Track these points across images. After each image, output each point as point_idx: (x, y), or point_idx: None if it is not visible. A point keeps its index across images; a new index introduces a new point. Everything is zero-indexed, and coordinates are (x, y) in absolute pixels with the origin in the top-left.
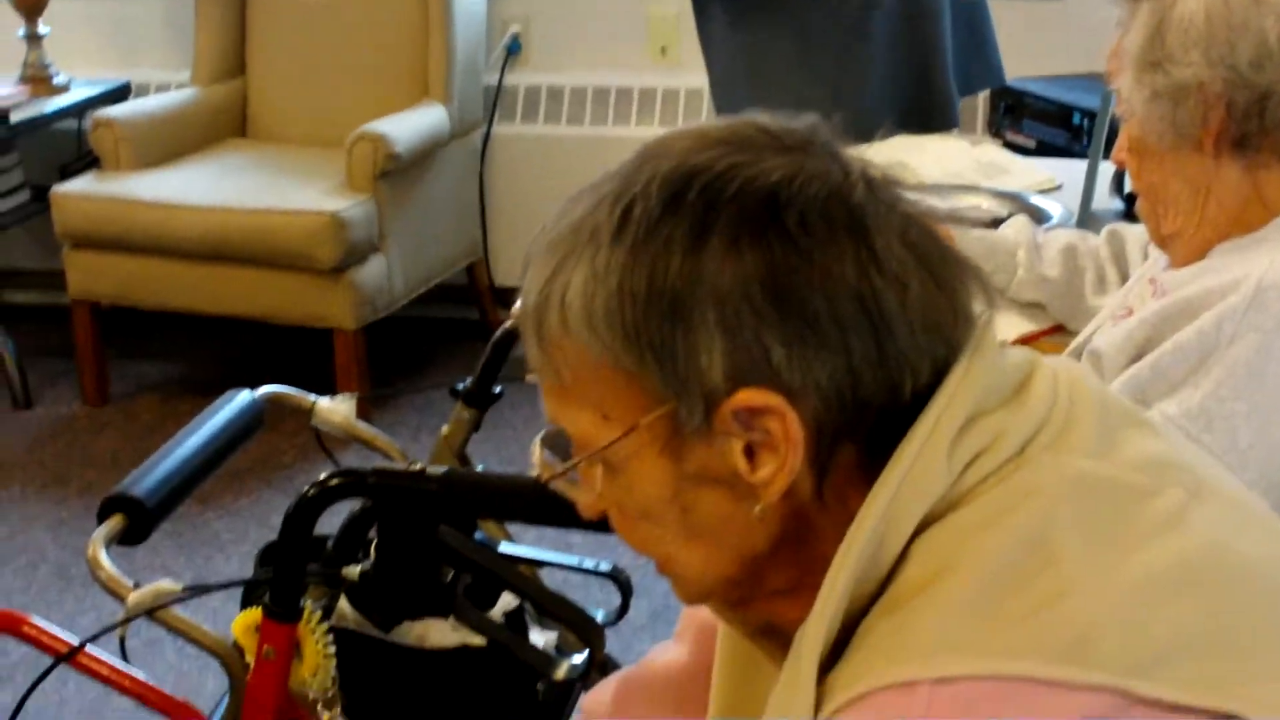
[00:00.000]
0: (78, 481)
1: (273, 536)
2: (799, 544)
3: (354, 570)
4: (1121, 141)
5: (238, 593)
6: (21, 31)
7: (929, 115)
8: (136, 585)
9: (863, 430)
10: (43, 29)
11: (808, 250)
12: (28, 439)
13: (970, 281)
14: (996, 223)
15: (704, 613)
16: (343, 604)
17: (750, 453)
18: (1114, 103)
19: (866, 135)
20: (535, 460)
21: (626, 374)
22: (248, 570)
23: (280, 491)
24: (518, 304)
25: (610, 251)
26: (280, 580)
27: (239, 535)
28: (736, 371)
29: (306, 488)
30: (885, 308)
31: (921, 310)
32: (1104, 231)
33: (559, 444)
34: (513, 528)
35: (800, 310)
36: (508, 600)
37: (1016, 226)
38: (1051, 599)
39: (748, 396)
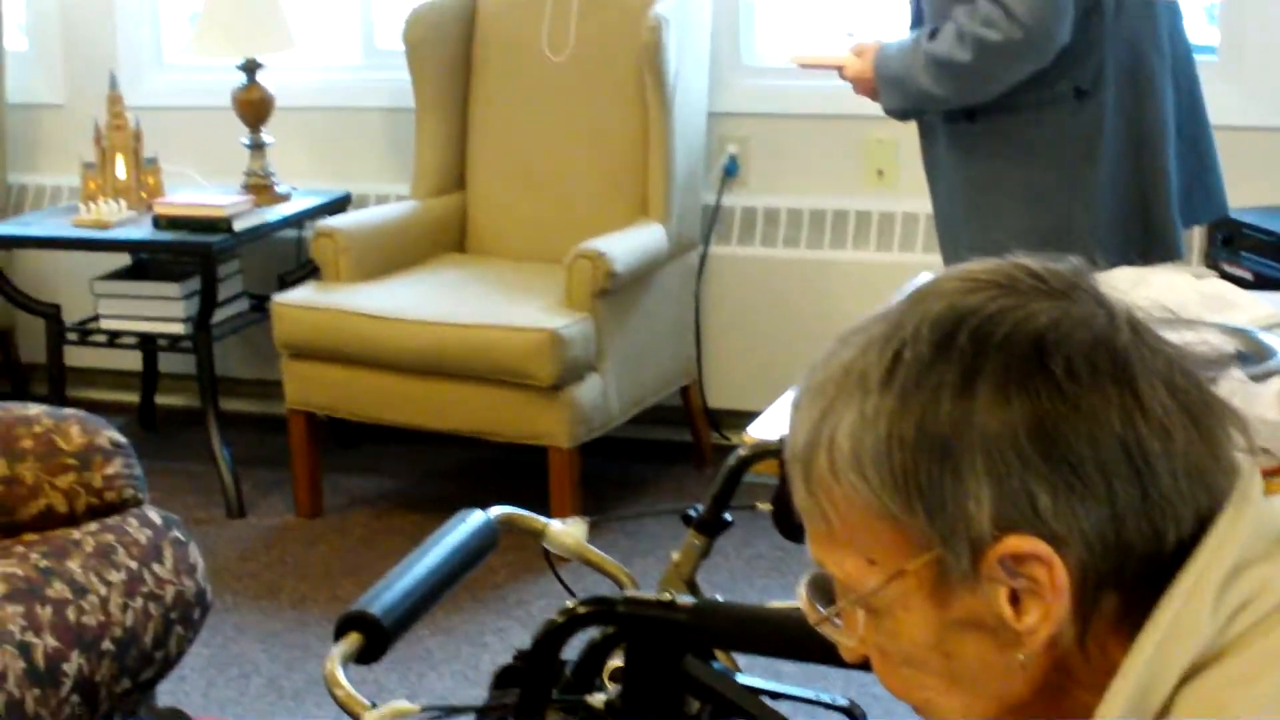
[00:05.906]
0: (290, 593)
1: (485, 656)
2: (1059, 692)
3: (599, 699)
4: None
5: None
6: (246, 140)
7: (1151, 246)
8: (373, 705)
9: (1126, 578)
10: (266, 138)
11: (1074, 398)
12: (241, 548)
13: (1231, 428)
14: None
15: None
16: None
17: (1015, 600)
18: None
19: (1094, 267)
20: (802, 604)
21: (893, 519)
22: (460, 688)
23: (493, 611)
24: (750, 428)
25: (880, 396)
26: (526, 705)
27: (451, 654)
28: (1003, 518)
29: (555, 614)
30: (1150, 455)
31: (1185, 457)
32: None
33: (823, 587)
34: None
35: (1066, 458)
36: None
37: None
38: None
39: (1015, 543)
